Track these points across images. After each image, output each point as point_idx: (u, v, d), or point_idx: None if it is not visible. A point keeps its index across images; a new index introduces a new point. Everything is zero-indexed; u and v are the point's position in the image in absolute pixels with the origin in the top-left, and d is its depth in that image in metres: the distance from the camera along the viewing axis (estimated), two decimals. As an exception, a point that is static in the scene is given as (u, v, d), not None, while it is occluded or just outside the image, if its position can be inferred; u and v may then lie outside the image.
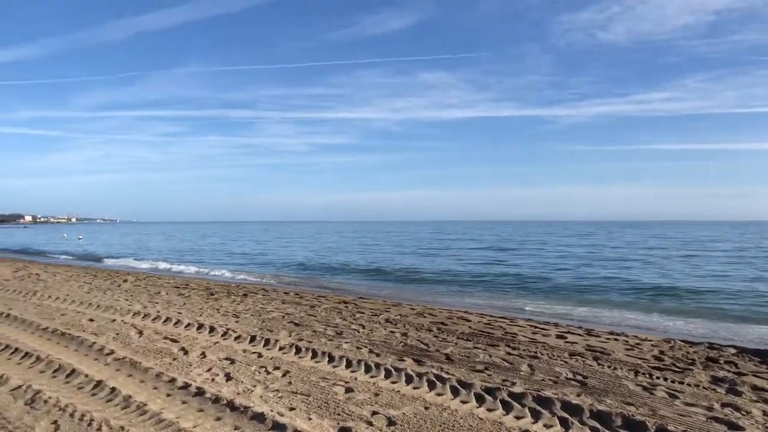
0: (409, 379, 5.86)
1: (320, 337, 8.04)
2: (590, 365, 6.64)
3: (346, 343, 7.62)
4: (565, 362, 6.76)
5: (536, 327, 9.43)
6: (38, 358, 6.29)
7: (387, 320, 9.79)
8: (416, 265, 27.00)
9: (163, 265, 27.01)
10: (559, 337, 8.48)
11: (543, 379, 5.92)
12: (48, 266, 22.93)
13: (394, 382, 5.78)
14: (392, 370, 6.18)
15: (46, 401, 4.87)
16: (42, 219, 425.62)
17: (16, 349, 6.68)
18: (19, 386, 5.29)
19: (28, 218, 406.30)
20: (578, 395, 5.31)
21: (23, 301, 11.00)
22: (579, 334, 8.79)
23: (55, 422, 4.43)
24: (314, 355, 6.90)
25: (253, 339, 7.72)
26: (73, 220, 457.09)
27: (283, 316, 9.91)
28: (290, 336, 8.06)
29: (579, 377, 6.05)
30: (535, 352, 7.25)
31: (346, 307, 11.52)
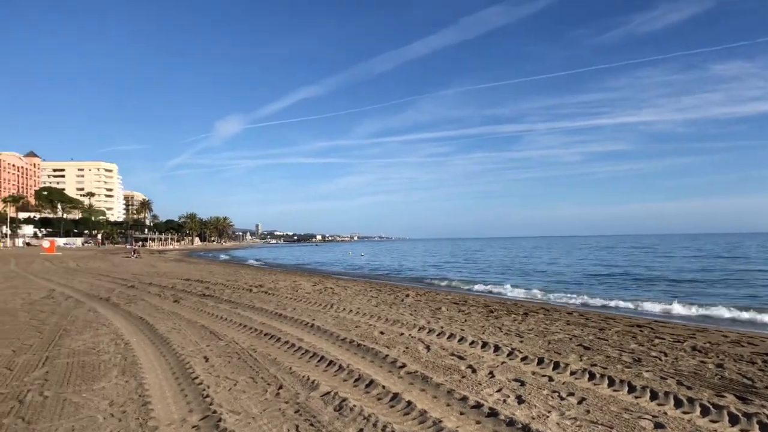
0: (733, 420, 5.14)
1: (615, 363, 7.54)
2: None
3: (647, 371, 7.00)
4: None
5: None
6: (340, 367, 7.11)
7: (694, 348, 8.75)
8: (717, 280, 23.74)
9: (439, 281, 28.55)
10: None
11: None
12: (339, 280, 26.16)
13: (714, 421, 5.13)
14: (710, 406, 5.49)
15: (351, 409, 5.45)
16: (329, 238, 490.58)
17: (322, 358, 7.66)
18: (328, 392, 6.03)
19: (319, 237, 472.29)
20: None
21: (323, 312, 12.65)
22: None
23: (360, 431, 4.92)
24: (611, 382, 6.48)
25: (540, 361, 7.60)
26: (355, 238, 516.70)
27: (570, 338, 9.57)
28: (581, 360, 7.73)
29: None
30: None
31: (641, 331, 10.64)
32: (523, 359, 7.75)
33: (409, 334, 9.73)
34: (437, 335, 9.69)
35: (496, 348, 8.49)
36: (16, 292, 18.27)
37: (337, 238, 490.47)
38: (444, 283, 27.22)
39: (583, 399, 5.82)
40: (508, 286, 24.39)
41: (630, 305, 17.15)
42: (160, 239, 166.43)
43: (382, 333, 9.82)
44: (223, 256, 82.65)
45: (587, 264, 45.09)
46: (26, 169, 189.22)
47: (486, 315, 12.76)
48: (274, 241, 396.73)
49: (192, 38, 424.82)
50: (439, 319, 11.86)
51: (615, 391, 6.18)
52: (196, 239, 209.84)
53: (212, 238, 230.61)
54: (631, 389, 6.20)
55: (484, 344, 8.80)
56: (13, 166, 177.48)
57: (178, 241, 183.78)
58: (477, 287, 24.35)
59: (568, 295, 20.76)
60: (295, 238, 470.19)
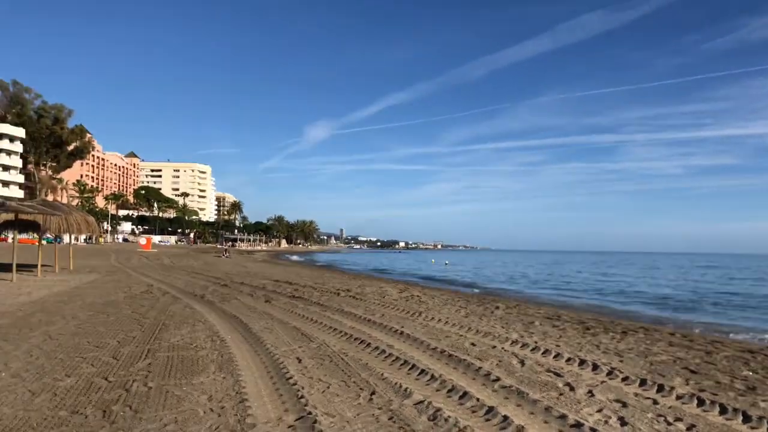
0: None
1: (726, 390, 7.13)
2: None
3: (764, 401, 6.57)
4: None
5: None
6: (432, 377, 7.14)
7: (821, 380, 8.11)
8: None
9: (531, 293, 28.00)
10: None
11: None
12: (425, 288, 26.21)
13: None
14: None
15: (446, 419, 5.46)
16: (413, 245, 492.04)
17: (413, 366, 7.72)
18: (421, 401, 6.07)
19: (402, 244, 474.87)
20: None
21: (412, 320, 12.73)
22: None
23: (457, 441, 4.93)
24: (723, 410, 6.13)
25: (643, 383, 7.30)
26: (439, 246, 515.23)
27: (674, 361, 9.13)
28: (687, 384, 7.36)
29: None
30: None
31: (754, 357, 9.97)
32: (623, 379, 7.48)
33: (502, 347, 9.62)
34: (531, 350, 9.52)
35: (595, 366, 8.24)
36: (118, 285, 19.59)
37: (421, 246, 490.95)
38: (534, 296, 26.66)
39: (693, 426, 5.55)
40: (603, 301, 23.56)
41: (740, 329, 16.13)
42: (249, 240, 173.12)
43: (473, 344, 9.76)
44: (306, 259, 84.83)
45: (689, 282, 42.79)
46: (126, 168, 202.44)
47: (582, 332, 12.40)
48: (357, 246, 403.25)
49: (286, 45, 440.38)
50: (533, 333, 11.64)
51: (728, 419, 5.84)
52: (283, 241, 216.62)
53: (298, 241, 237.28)
54: (746, 419, 5.84)
55: (582, 362, 8.56)
56: (115, 165, 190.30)
57: (266, 242, 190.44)
58: (570, 302, 23.68)
59: (670, 314, 19.79)
60: (378, 244, 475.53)
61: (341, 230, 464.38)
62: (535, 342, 10.31)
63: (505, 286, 34.69)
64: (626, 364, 8.57)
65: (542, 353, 9.26)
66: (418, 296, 19.79)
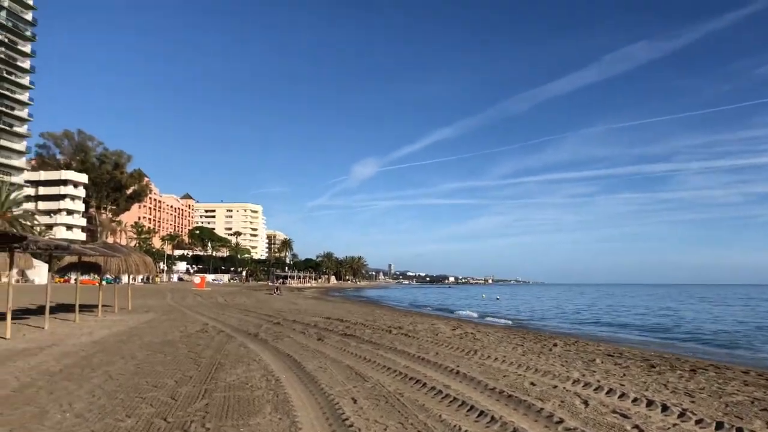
0: None
1: (814, 434, 6.63)
2: None
3: None
4: None
5: None
6: (492, 418, 6.87)
7: None
8: None
9: (589, 329, 27.14)
10: None
11: None
12: (478, 325, 25.72)
13: None
14: None
15: (510, 464, 5.23)
16: (463, 280, 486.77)
17: (472, 407, 7.47)
18: (482, 444, 5.85)
19: (452, 279, 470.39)
20: None
21: (467, 359, 12.43)
22: None
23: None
24: (812, 458, 5.69)
25: (719, 426, 6.86)
26: (490, 281, 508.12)
27: (752, 401, 8.59)
28: (768, 427, 6.88)
29: None
30: None
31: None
32: (698, 422, 7.04)
33: (563, 387, 9.25)
34: (594, 390, 9.12)
35: (664, 407, 7.80)
36: (174, 324, 19.92)
37: (471, 281, 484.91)
38: (593, 333, 25.80)
39: (781, 475, 5.15)
40: (666, 338, 22.58)
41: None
42: (299, 277, 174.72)
43: (533, 384, 9.42)
44: (356, 295, 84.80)
45: (759, 316, 40.72)
46: (182, 209, 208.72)
47: (647, 369, 11.85)
48: (406, 282, 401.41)
49: (332, 86, 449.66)
50: (594, 372, 11.18)
51: (819, 468, 5.41)
52: (332, 278, 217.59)
53: (347, 277, 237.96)
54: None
55: (650, 402, 8.13)
56: (171, 207, 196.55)
57: (315, 279, 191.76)
58: (631, 338, 22.79)
59: (741, 351, 18.79)
60: (428, 279, 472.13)
61: (390, 266, 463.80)
62: (598, 381, 9.89)
63: (560, 322, 33.76)
64: (699, 405, 8.10)
65: (606, 393, 8.85)
66: (471, 333, 19.41)
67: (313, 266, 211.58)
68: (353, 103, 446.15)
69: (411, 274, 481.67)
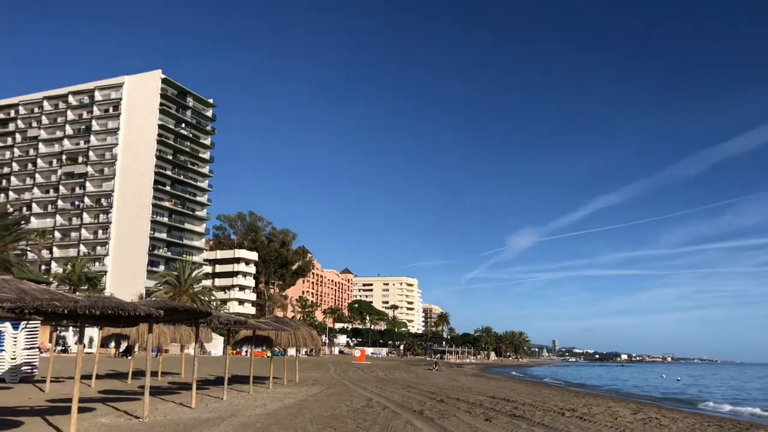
0: None
1: None
2: None
3: None
4: None
5: None
6: None
7: None
8: None
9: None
10: None
11: None
12: (661, 409, 23.38)
13: None
14: None
15: None
16: (637, 358, 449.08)
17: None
18: None
19: (624, 357, 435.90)
20: None
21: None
22: None
23: None
24: None
25: None
26: (669, 359, 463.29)
27: None
28: None
29: None
30: None
31: None
32: None
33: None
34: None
35: None
36: (340, 398, 20.33)
37: (646, 359, 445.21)
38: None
39: None
40: None
41: None
42: (457, 352, 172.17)
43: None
44: (519, 373, 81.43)
45: None
46: (341, 284, 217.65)
47: None
48: (572, 359, 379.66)
49: (489, 159, 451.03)
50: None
51: None
52: (492, 354, 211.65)
53: (507, 354, 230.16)
54: None
55: None
56: (332, 281, 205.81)
57: (474, 355, 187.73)
58: None
59: None
60: (597, 356, 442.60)
61: (554, 341, 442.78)
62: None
63: (759, 408, 29.65)
64: None
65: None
66: (656, 419, 17.65)
67: (471, 341, 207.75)
68: (508, 174, 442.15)
69: (578, 351, 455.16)
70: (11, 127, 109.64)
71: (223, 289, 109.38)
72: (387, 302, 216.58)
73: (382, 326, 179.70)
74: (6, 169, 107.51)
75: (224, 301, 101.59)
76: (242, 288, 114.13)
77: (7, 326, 21.84)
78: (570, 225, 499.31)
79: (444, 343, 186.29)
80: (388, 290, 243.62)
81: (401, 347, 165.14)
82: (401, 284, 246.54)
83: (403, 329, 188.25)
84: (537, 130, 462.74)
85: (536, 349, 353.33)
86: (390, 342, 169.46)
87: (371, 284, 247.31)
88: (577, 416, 16.99)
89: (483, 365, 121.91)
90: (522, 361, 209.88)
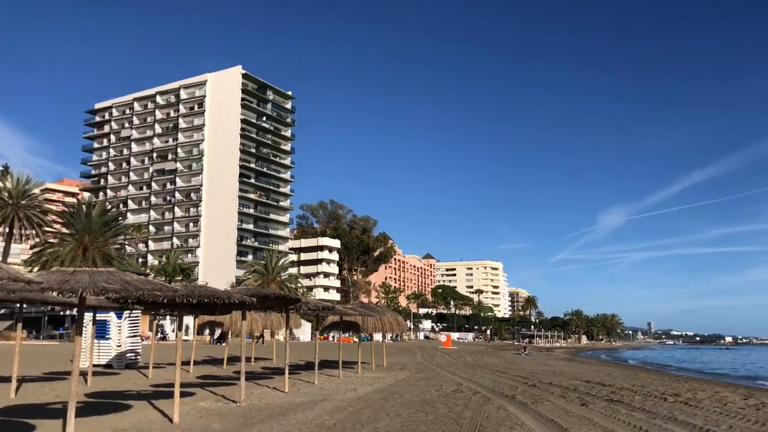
0: None
1: None
2: None
3: None
4: None
5: None
6: None
7: None
8: None
9: None
10: None
11: None
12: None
13: None
14: None
15: None
16: (743, 340, 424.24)
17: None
18: None
19: (729, 339, 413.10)
20: None
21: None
22: None
23: None
24: None
25: None
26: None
27: None
28: None
29: None
30: None
31: None
32: None
33: None
34: None
35: None
36: (430, 383, 20.37)
37: (755, 341, 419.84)
38: None
39: None
40: None
41: None
42: (546, 336, 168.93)
43: None
44: (613, 357, 78.89)
45: None
46: (423, 269, 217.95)
47: None
48: (670, 342, 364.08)
49: (575, 133, 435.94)
50: None
51: None
52: (583, 337, 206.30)
53: (599, 337, 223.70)
54: None
55: None
56: (414, 267, 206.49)
57: (564, 338, 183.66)
58: None
59: None
60: (697, 339, 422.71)
61: (649, 324, 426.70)
62: None
63: None
64: None
65: None
66: (770, 404, 16.60)
67: (560, 325, 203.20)
68: (597, 149, 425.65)
69: (675, 333, 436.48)
70: (106, 128, 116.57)
71: (308, 276, 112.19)
72: (471, 287, 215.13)
73: (467, 311, 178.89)
74: (103, 169, 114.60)
75: (310, 288, 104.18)
76: (326, 275, 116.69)
77: (112, 316, 23.32)
78: (664, 201, 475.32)
79: (532, 327, 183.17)
80: (471, 274, 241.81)
81: (488, 332, 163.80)
82: (485, 268, 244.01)
83: (489, 314, 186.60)
84: (626, 102, 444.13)
85: (630, 332, 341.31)
86: (476, 327, 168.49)
87: (454, 269, 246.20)
88: (681, 401, 16.23)
89: (574, 349, 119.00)
90: (615, 344, 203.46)
